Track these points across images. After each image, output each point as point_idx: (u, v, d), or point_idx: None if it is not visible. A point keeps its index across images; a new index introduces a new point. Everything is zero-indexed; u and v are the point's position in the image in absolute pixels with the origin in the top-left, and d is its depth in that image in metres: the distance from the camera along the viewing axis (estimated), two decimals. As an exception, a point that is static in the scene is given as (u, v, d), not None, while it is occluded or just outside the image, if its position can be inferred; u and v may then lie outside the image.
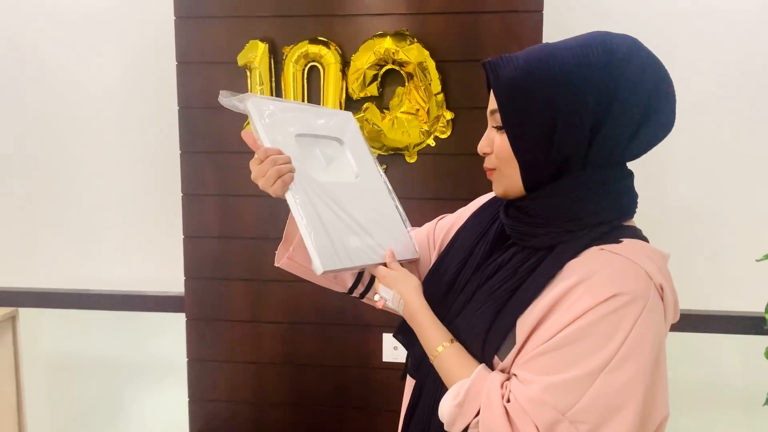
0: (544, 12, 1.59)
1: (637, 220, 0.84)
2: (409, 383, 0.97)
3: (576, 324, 0.71)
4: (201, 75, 1.73)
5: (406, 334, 0.96)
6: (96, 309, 2.01)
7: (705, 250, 1.92)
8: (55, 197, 2.15)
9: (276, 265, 1.05)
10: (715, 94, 1.86)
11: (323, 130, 1.03)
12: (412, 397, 0.93)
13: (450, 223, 1.04)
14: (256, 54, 1.66)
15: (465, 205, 1.05)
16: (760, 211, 1.89)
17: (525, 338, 0.76)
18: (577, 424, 0.69)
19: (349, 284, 1.06)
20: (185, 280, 1.80)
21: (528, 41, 1.59)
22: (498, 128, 0.81)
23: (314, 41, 1.65)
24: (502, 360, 0.78)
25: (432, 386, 0.87)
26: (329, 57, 1.64)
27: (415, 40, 1.61)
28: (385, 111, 1.67)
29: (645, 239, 0.81)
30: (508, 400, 0.73)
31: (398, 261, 0.98)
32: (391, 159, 1.69)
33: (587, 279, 0.73)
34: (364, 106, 1.66)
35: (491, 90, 0.81)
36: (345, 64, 1.66)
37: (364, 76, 1.64)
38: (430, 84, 1.62)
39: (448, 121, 1.65)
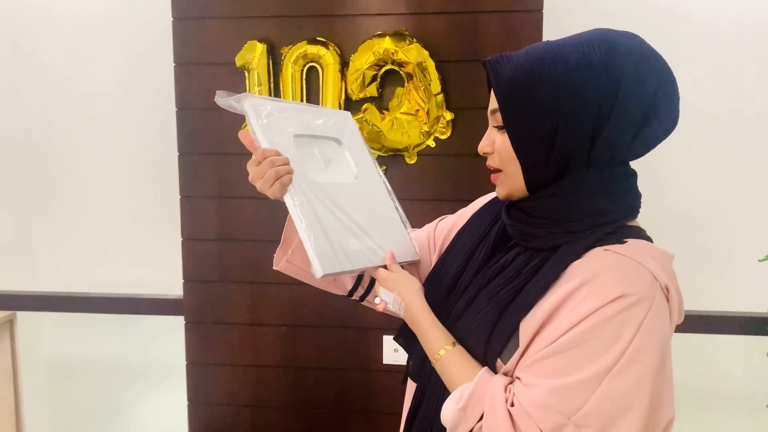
0: (544, 12, 1.59)
1: (639, 221, 0.83)
2: (411, 387, 0.95)
3: (581, 326, 0.70)
4: (199, 76, 1.72)
5: (407, 337, 0.95)
6: (94, 312, 1.99)
7: (707, 250, 1.91)
8: (52, 200, 2.14)
9: (275, 268, 1.04)
10: (715, 94, 1.86)
11: (321, 130, 1.02)
12: (413, 401, 0.92)
13: (450, 225, 1.03)
14: (254, 54, 1.65)
15: (465, 206, 1.04)
16: (762, 211, 1.88)
17: (529, 341, 0.74)
18: (583, 428, 0.68)
19: (349, 287, 1.05)
20: (184, 283, 1.79)
21: (528, 41, 1.59)
22: (499, 128, 0.81)
23: (313, 41, 1.64)
24: (505, 363, 0.77)
25: (434, 390, 0.86)
26: (328, 57, 1.63)
27: (415, 40, 1.61)
28: (384, 112, 1.66)
29: (649, 239, 0.80)
30: (512, 404, 0.72)
31: (399, 263, 0.97)
32: (390, 160, 1.68)
33: (591, 280, 0.72)
34: (364, 106, 1.64)
35: (492, 89, 0.80)
36: (344, 65, 1.65)
37: (364, 77, 1.63)
38: (429, 84, 1.61)
39: (447, 122, 1.64)
